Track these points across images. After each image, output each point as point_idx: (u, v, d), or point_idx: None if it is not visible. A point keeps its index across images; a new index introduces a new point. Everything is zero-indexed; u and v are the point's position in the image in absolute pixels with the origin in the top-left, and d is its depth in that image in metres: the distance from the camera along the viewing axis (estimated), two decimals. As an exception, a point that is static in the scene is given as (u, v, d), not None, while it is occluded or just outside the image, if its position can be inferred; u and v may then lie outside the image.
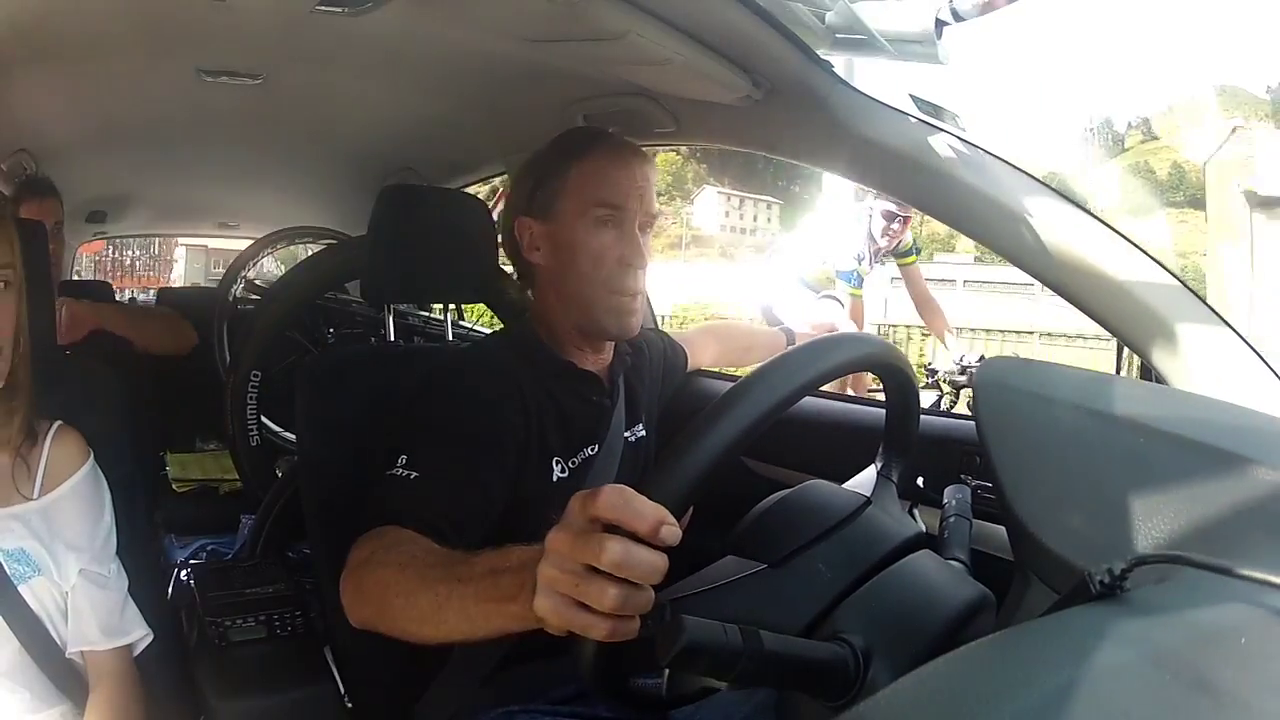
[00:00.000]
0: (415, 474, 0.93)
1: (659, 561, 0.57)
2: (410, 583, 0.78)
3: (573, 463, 1.08)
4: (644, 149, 1.15)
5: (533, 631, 0.70)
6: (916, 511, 0.96)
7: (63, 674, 1.00)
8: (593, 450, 1.10)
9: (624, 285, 1.07)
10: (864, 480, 0.87)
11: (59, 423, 1.04)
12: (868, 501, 0.79)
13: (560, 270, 1.09)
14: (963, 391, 3.29)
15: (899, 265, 3.51)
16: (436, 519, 0.89)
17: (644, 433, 1.20)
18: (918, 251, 3.63)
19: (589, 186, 1.06)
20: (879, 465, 0.89)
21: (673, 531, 0.57)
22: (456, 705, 0.99)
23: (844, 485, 0.87)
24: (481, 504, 0.95)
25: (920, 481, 1.11)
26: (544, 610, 0.60)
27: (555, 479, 1.05)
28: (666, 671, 0.64)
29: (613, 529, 0.57)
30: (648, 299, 1.19)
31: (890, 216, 3.23)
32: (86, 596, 1.01)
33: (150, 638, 1.07)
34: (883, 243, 3.29)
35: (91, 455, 1.06)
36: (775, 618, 0.65)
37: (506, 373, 1.06)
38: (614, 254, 1.07)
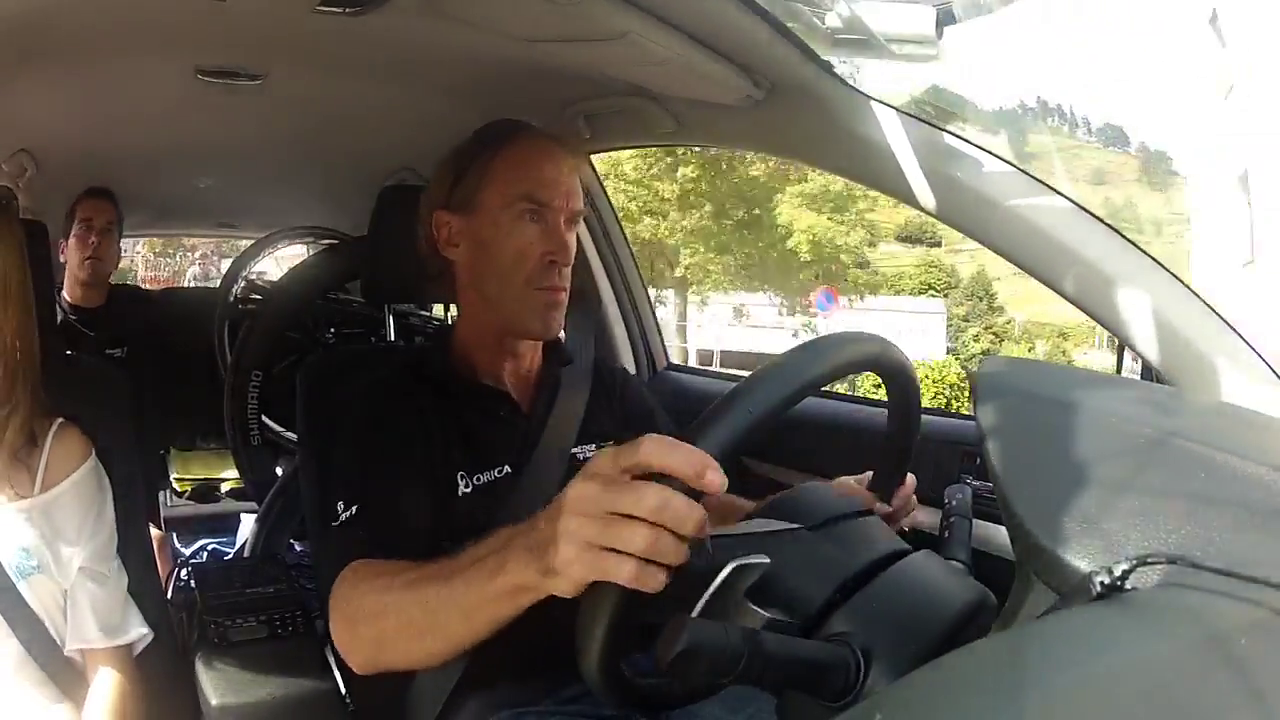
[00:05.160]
0: (355, 508, 0.93)
1: (698, 511, 0.57)
2: (397, 602, 0.78)
3: (479, 479, 1.03)
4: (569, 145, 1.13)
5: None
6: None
7: (63, 673, 1.00)
8: (502, 471, 1.04)
9: (548, 281, 1.03)
10: None
11: (60, 420, 1.04)
12: (870, 510, 0.79)
13: (480, 267, 1.05)
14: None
15: None
16: (389, 538, 0.89)
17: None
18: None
19: (514, 180, 1.02)
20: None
21: (718, 479, 0.56)
22: (446, 694, 0.99)
23: None
24: (417, 509, 0.95)
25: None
26: (565, 559, 0.59)
27: (460, 494, 1.01)
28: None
29: (650, 480, 0.57)
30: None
31: None
32: (86, 594, 1.01)
33: (150, 636, 1.07)
34: None
35: (94, 453, 1.06)
36: (810, 574, 0.66)
37: (407, 393, 1.05)
38: (538, 250, 1.02)
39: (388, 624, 0.79)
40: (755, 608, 0.62)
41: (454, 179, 1.06)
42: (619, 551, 0.57)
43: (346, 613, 0.84)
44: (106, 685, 1.01)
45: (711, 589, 0.59)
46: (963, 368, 15.49)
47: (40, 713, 0.99)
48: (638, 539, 0.56)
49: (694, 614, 0.60)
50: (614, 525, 0.57)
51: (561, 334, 1.13)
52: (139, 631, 1.06)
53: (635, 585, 0.57)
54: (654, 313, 1.82)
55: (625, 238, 1.79)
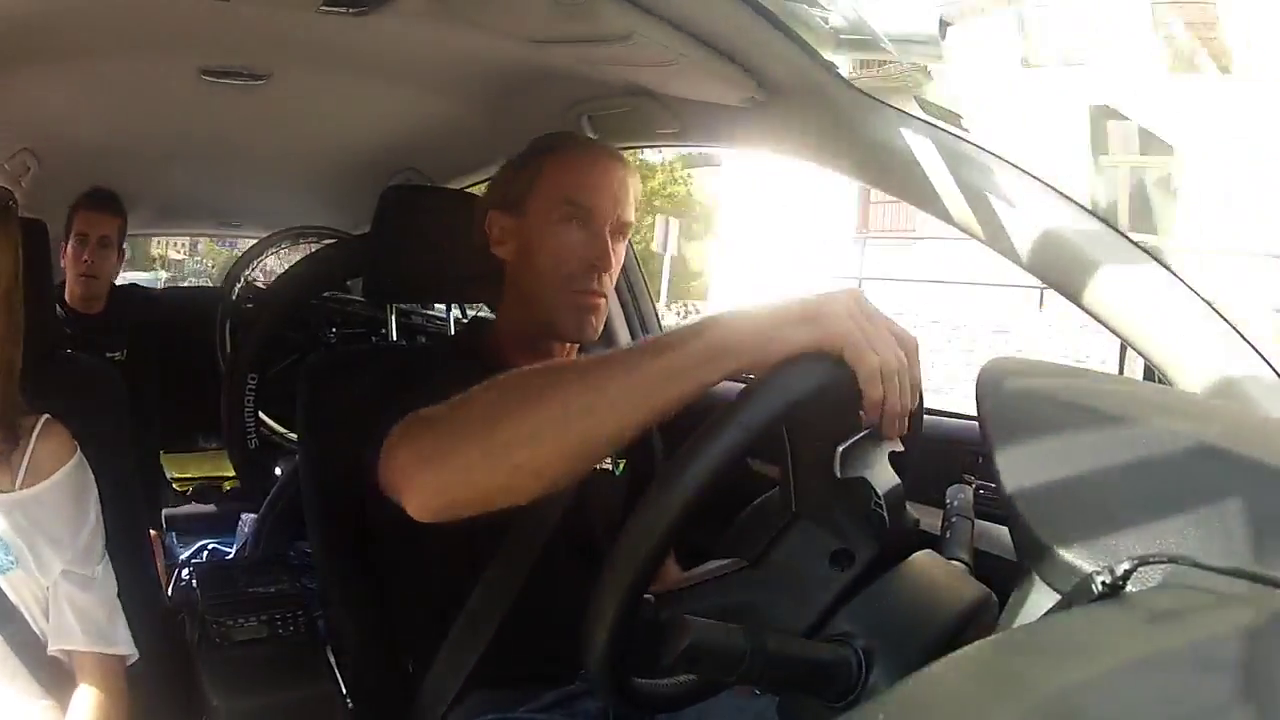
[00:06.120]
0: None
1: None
2: (519, 397, 0.69)
3: None
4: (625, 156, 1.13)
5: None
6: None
7: (47, 669, 0.99)
8: None
9: (586, 285, 1.04)
10: None
11: (46, 417, 1.03)
12: None
13: (523, 267, 1.07)
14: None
15: None
16: None
17: (616, 470, 1.12)
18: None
19: (560, 183, 1.04)
20: None
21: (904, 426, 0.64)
22: (449, 696, 0.98)
23: None
24: None
25: None
26: (839, 313, 0.62)
27: None
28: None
29: None
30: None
31: None
32: (68, 598, 1.00)
33: (135, 658, 1.04)
34: None
35: (78, 451, 1.04)
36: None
37: (441, 374, 1.02)
38: (578, 254, 1.03)
39: (501, 422, 0.69)
40: (892, 468, 0.64)
41: (508, 181, 1.10)
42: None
43: (432, 426, 0.75)
44: (91, 688, 1.00)
45: (862, 433, 0.63)
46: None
47: (24, 707, 0.98)
48: (889, 347, 0.62)
49: (842, 448, 0.63)
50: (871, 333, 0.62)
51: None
52: (125, 648, 1.03)
53: (869, 377, 0.61)
54: (655, 311, 1.83)
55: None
